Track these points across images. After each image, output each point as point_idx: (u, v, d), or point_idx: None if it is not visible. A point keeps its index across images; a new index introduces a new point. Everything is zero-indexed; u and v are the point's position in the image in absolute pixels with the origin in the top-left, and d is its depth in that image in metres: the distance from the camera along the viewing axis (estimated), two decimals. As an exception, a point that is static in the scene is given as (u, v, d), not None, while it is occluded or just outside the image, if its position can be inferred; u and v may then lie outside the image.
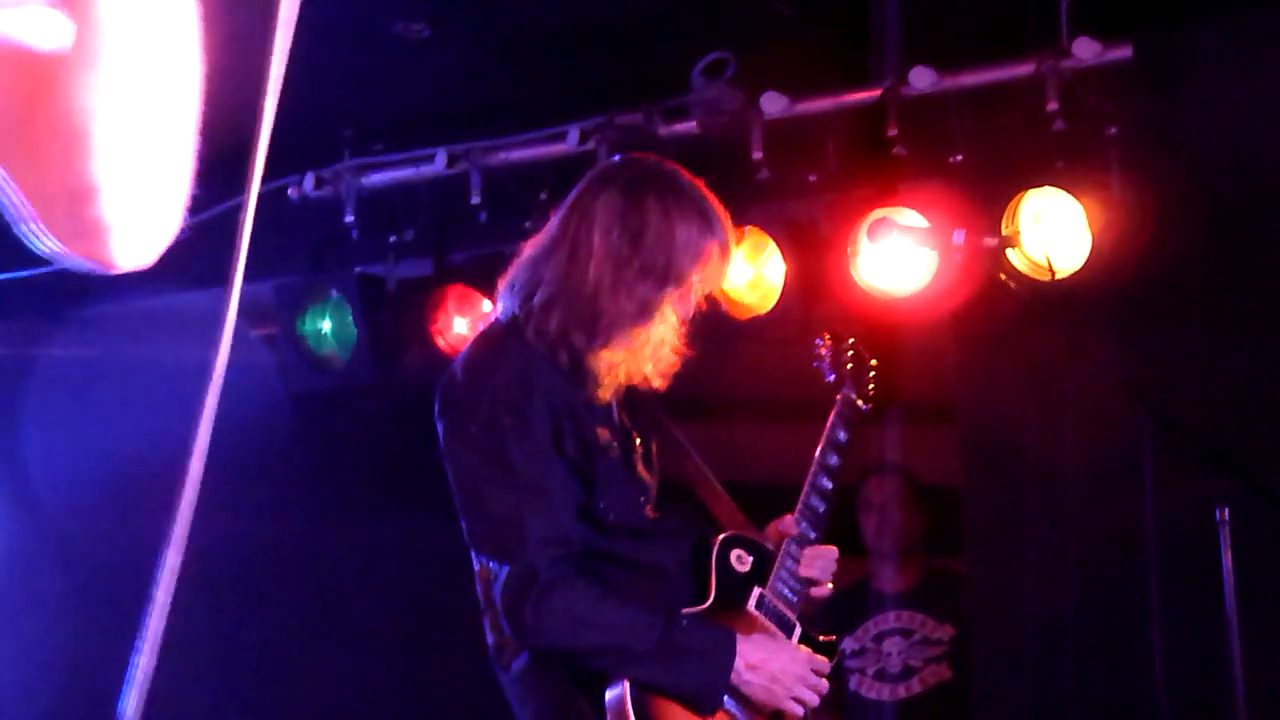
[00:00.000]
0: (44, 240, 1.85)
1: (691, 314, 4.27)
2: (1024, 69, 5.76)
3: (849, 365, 4.64)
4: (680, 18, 6.35)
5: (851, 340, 4.70)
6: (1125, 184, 5.57)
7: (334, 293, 6.91)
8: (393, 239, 7.06)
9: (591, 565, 4.00)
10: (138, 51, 1.83)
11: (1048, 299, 5.66)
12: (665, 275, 4.05)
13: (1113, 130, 5.63)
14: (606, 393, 4.11)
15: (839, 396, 4.56)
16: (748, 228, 6.00)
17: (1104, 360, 5.72)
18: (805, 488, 4.37)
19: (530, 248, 4.23)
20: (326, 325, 6.65)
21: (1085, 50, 5.58)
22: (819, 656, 4.17)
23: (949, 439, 6.62)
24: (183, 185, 1.86)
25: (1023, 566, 6.11)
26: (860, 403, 4.60)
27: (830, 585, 4.42)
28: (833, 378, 4.62)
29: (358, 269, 7.10)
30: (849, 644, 6.70)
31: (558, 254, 4.11)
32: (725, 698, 4.00)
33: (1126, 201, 5.56)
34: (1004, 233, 5.61)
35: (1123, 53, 5.57)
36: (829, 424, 4.54)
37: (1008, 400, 6.05)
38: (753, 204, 5.91)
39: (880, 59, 5.94)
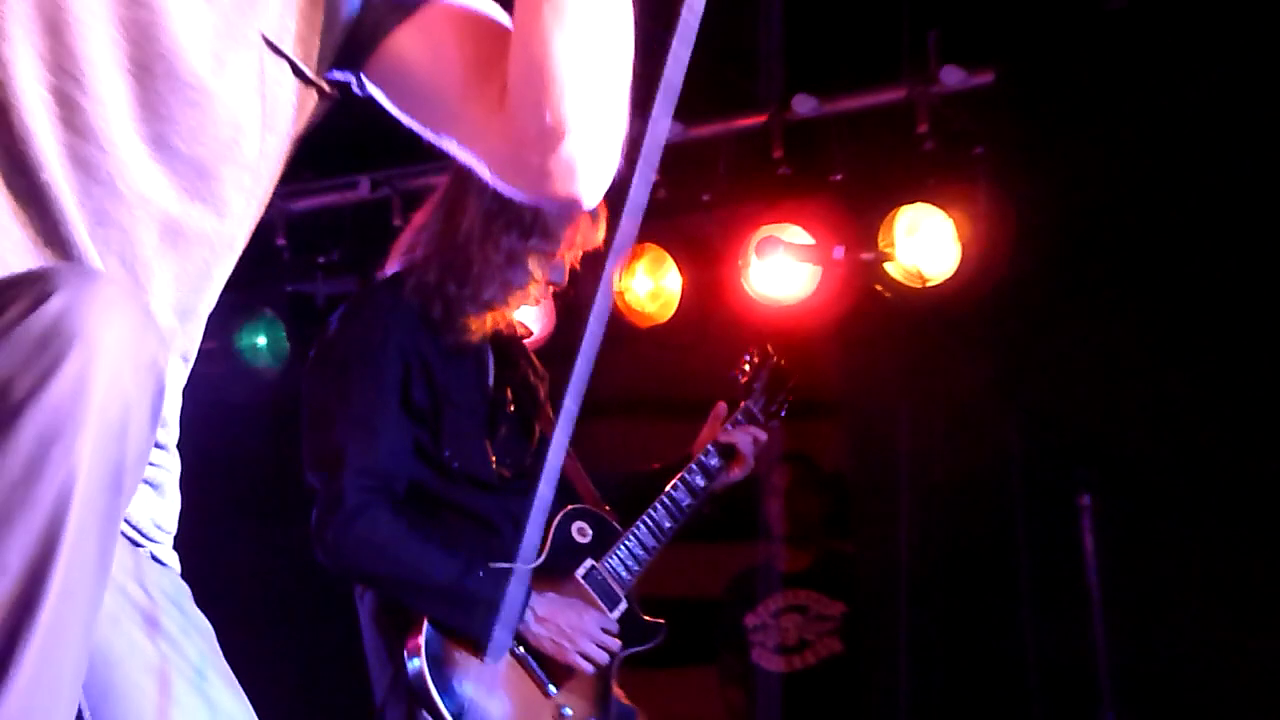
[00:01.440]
0: (516, 184, 2.17)
1: (563, 280, 4.31)
2: (896, 94, 5.77)
3: (764, 383, 4.61)
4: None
5: (776, 360, 4.68)
6: (991, 199, 5.57)
7: (267, 311, 6.86)
8: (321, 259, 7.00)
9: (427, 507, 4.01)
10: (597, 6, 2.05)
11: (921, 305, 5.65)
12: (531, 228, 4.08)
13: (979, 150, 5.67)
14: (475, 337, 4.11)
15: (742, 405, 4.52)
16: (647, 244, 6.06)
17: (973, 359, 5.72)
18: (674, 480, 4.33)
19: (418, 215, 4.30)
20: (261, 340, 6.60)
21: (951, 77, 5.64)
22: (612, 618, 4.13)
23: (837, 433, 6.73)
24: (621, 128, 2.07)
25: (900, 549, 6.09)
26: (760, 416, 4.53)
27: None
28: (746, 389, 4.60)
29: (289, 287, 7.06)
30: (751, 620, 6.70)
31: (436, 214, 4.19)
32: (519, 648, 4.02)
33: (992, 215, 5.57)
34: (880, 247, 5.66)
35: (985, 78, 5.58)
36: (717, 418, 4.48)
37: (886, 397, 6.06)
38: (651, 221, 5.82)
39: (766, 85, 5.83)
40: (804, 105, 5.90)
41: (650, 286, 6.11)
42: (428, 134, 2.25)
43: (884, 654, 6.25)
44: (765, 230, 5.82)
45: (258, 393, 6.69)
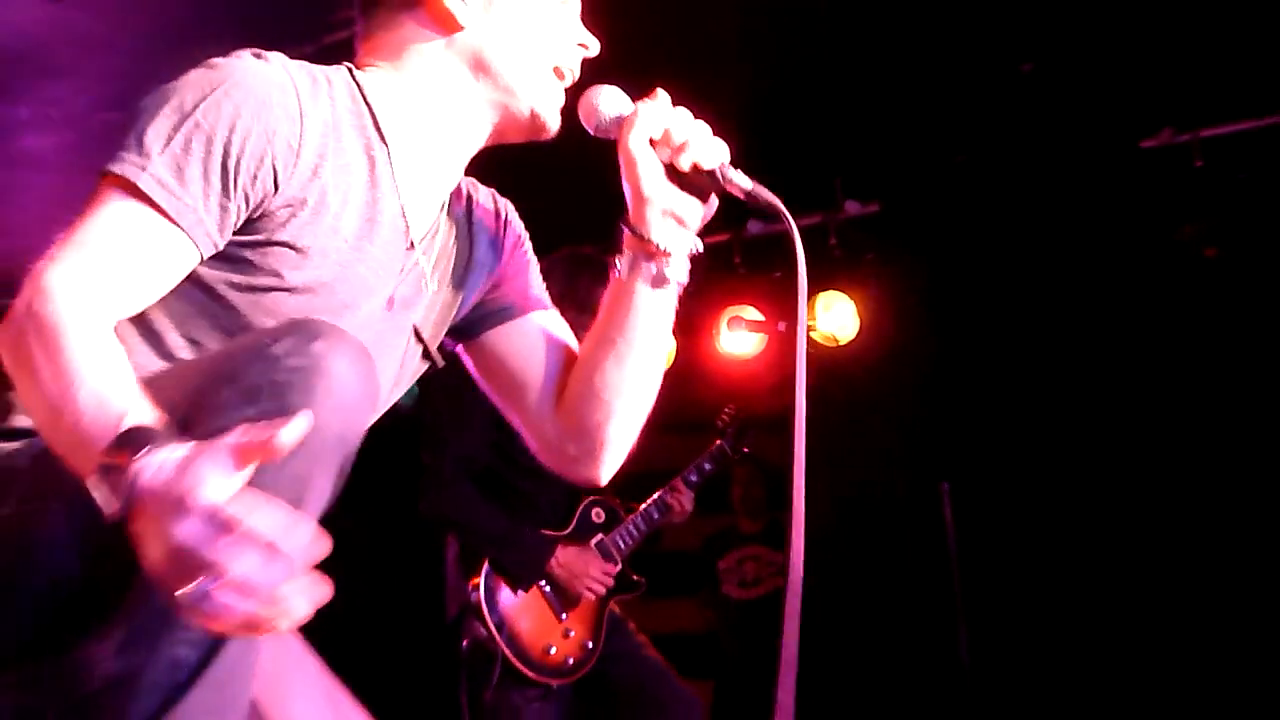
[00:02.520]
0: (551, 462, 2.26)
1: None
2: (815, 219, 6.07)
3: (734, 429, 4.85)
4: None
5: (741, 413, 4.90)
6: (878, 288, 6.07)
7: None
8: None
9: (494, 485, 4.19)
10: (646, 357, 2.18)
11: (835, 358, 6.11)
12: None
13: (869, 255, 6.11)
14: None
15: (717, 443, 4.79)
16: None
17: (869, 392, 6.24)
18: (666, 487, 4.64)
19: None
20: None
21: (852, 208, 6.06)
22: (610, 567, 4.35)
23: (778, 444, 7.32)
24: (638, 428, 2.23)
25: (818, 519, 6.95)
26: (730, 451, 4.83)
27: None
28: (722, 431, 4.84)
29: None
30: (721, 565, 6.96)
31: None
32: (545, 585, 4.26)
33: (879, 299, 6.07)
34: (808, 321, 6.37)
35: (874, 208, 6.03)
36: (703, 458, 4.78)
37: (811, 418, 6.68)
38: None
39: (725, 215, 6.42)
40: (754, 227, 6.23)
41: None
42: (496, 402, 2.32)
43: (805, 591, 7.05)
44: (731, 310, 6.01)
45: (402, 423, 6.93)
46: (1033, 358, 6.01)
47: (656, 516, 4.63)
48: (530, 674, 4.18)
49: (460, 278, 2.22)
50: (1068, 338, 5.93)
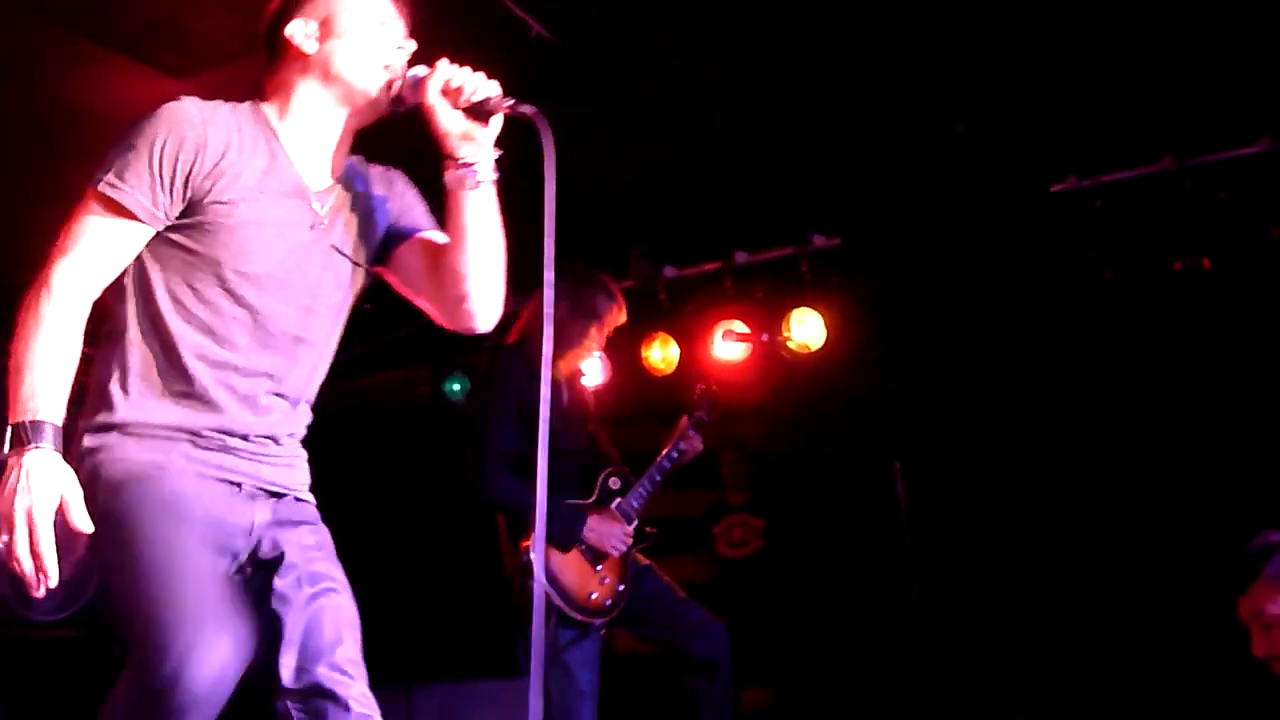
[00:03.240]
0: (447, 324, 2.59)
1: (604, 342, 4.59)
2: (788, 251, 6.15)
3: (707, 403, 4.79)
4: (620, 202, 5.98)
5: (712, 390, 4.85)
6: (841, 306, 6.09)
7: (459, 370, 6.82)
8: (487, 342, 6.68)
9: (528, 465, 3.80)
10: (486, 237, 2.48)
11: (806, 362, 6.15)
12: (590, 315, 4.44)
13: (834, 279, 6.09)
14: (561, 375, 4.41)
15: (695, 414, 4.74)
16: (659, 333, 6.40)
17: (833, 388, 6.29)
18: (662, 454, 4.62)
19: (525, 309, 4.44)
20: (456, 386, 6.80)
21: (819, 241, 6.10)
22: (629, 529, 4.40)
23: (761, 430, 7.06)
24: (501, 293, 2.55)
25: (788, 494, 6.82)
26: (707, 420, 4.76)
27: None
28: (697, 404, 4.79)
29: (468, 357, 6.76)
30: (715, 529, 6.94)
31: (532, 307, 4.37)
32: (581, 545, 4.30)
33: (842, 314, 6.09)
34: (783, 332, 5.98)
35: (836, 241, 6.06)
36: (682, 425, 4.72)
37: (786, 410, 6.60)
38: (662, 319, 6.40)
39: (717, 247, 6.29)
40: (741, 257, 6.26)
41: (661, 354, 6.39)
42: (410, 298, 2.66)
43: (782, 550, 6.73)
44: (723, 324, 6.10)
45: (455, 412, 6.77)
46: (967, 358, 6.03)
47: (661, 474, 4.61)
48: (577, 616, 4.24)
49: (364, 217, 2.59)
50: (995, 343, 5.93)
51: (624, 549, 4.42)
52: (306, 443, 2.61)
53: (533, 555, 4.15)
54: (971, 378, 6.01)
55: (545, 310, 2.45)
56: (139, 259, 2.40)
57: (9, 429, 2.18)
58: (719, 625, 4.51)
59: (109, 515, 2.25)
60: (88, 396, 2.41)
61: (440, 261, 2.55)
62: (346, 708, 2.31)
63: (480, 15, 4.23)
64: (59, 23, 4.19)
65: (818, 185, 5.69)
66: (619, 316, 4.61)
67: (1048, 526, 5.71)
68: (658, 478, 4.62)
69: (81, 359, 2.29)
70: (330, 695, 2.31)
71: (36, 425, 2.17)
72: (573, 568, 4.32)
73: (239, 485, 2.43)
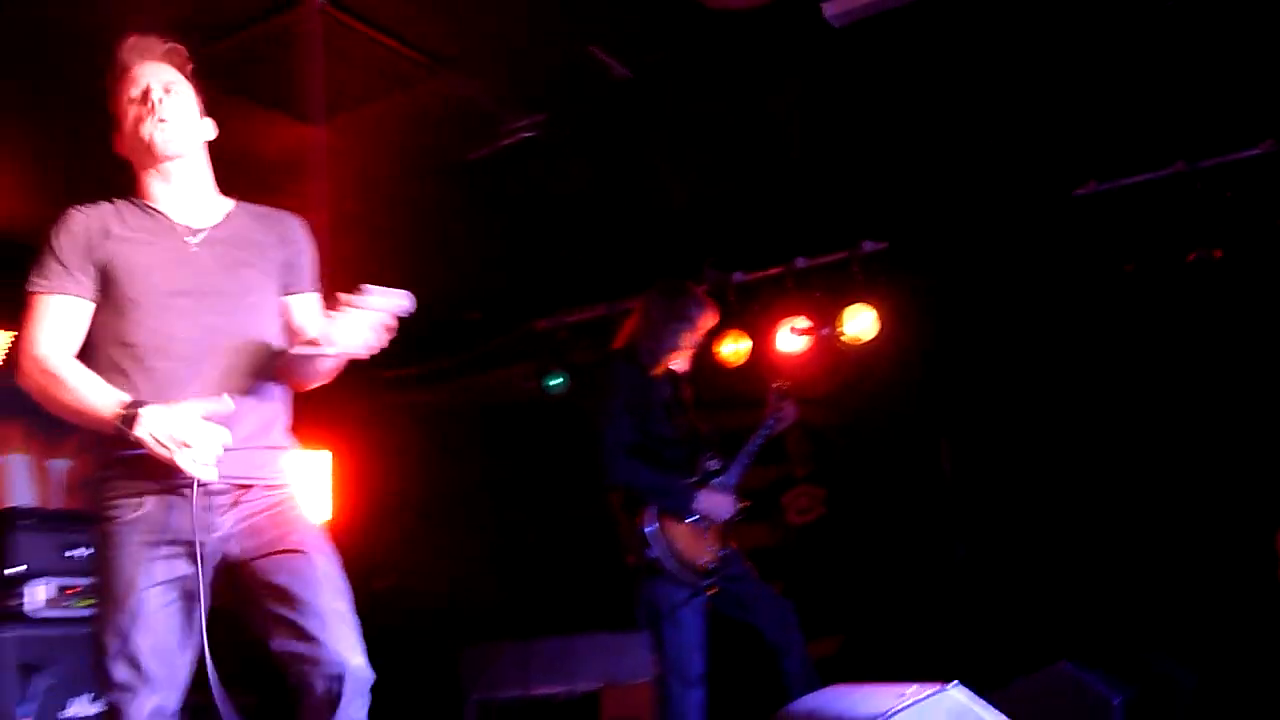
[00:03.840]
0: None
1: (697, 343, 4.56)
2: (843, 255, 6.10)
3: (782, 391, 4.72)
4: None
5: (786, 386, 4.76)
6: (890, 302, 6.01)
7: (559, 368, 6.80)
8: (585, 343, 6.82)
9: (646, 456, 4.27)
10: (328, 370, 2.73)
11: (860, 352, 6.08)
12: (684, 321, 4.44)
13: (883, 279, 6.02)
14: (659, 373, 4.41)
15: (774, 404, 4.69)
16: (732, 329, 6.35)
17: (884, 374, 6.18)
18: (753, 436, 4.60)
19: (628, 321, 4.55)
20: (556, 381, 6.80)
21: (868, 246, 6.06)
22: (733, 499, 4.43)
23: (822, 411, 6.72)
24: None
25: (847, 468, 6.73)
26: (780, 410, 4.64)
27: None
28: (775, 395, 4.73)
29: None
30: (784, 499, 6.86)
31: (639, 317, 4.49)
32: (694, 515, 4.33)
33: (891, 310, 6.01)
34: (840, 326, 6.00)
35: (883, 245, 6.02)
36: (768, 412, 4.67)
37: (844, 393, 6.40)
38: (732, 319, 6.27)
39: (778, 252, 6.28)
40: (800, 262, 6.24)
41: (733, 349, 6.32)
42: None
43: (843, 516, 6.69)
44: (786, 321, 6.18)
45: (554, 408, 6.82)
46: (1004, 346, 5.96)
47: (754, 451, 4.60)
48: (689, 578, 4.24)
49: (249, 245, 2.73)
50: (1028, 332, 5.87)
51: (729, 517, 4.44)
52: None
53: (647, 529, 4.23)
54: (1008, 363, 5.94)
55: None
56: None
57: (116, 429, 2.45)
58: (788, 606, 4.49)
59: None
60: None
61: (291, 333, 2.76)
62: None
63: (566, 61, 4.26)
64: (215, 85, 4.25)
65: (866, 198, 5.69)
66: (711, 320, 4.62)
67: (1078, 491, 5.65)
68: (753, 451, 4.62)
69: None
70: None
71: (126, 408, 2.43)
72: (685, 537, 4.31)
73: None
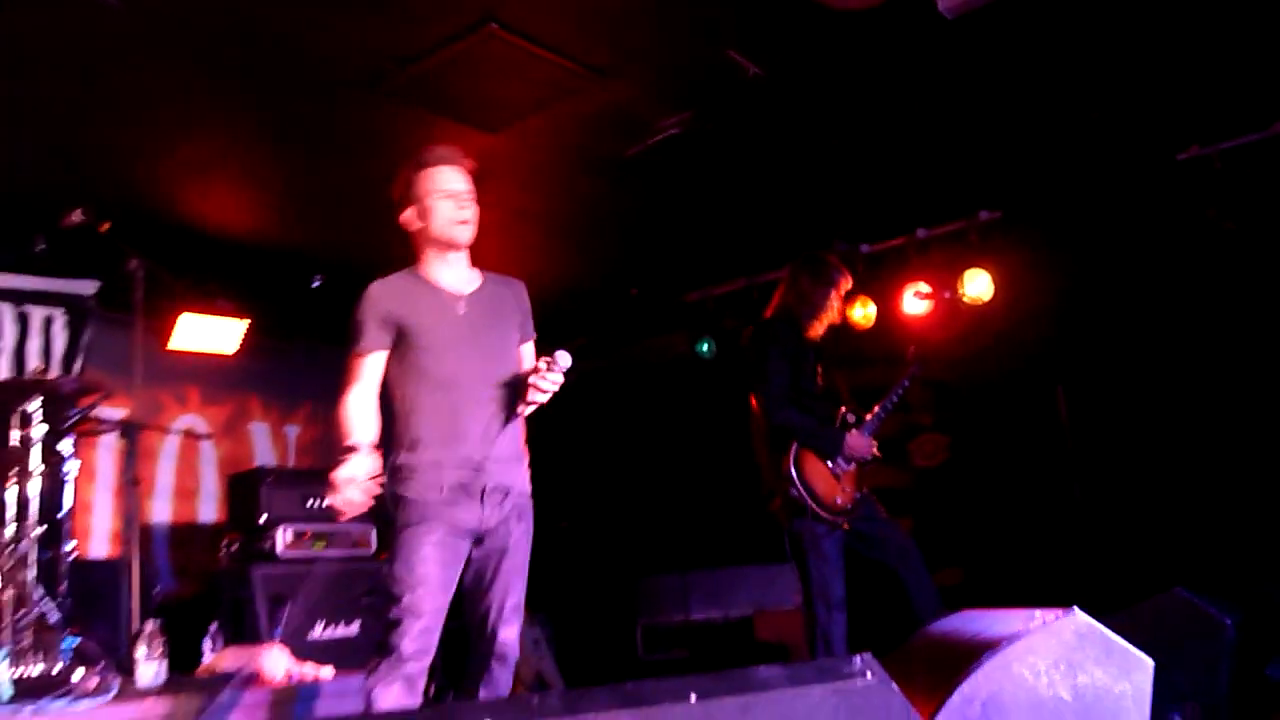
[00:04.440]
0: None
1: (837, 307, 4.49)
2: (960, 225, 5.96)
3: (918, 356, 4.64)
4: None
5: (919, 348, 4.70)
6: (1005, 265, 5.87)
7: (707, 335, 6.81)
8: (727, 316, 6.79)
9: (800, 405, 4.25)
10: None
11: (979, 311, 5.94)
12: (829, 284, 4.41)
13: (999, 244, 5.85)
14: (814, 335, 4.40)
15: (910, 370, 4.63)
16: (860, 295, 6.23)
17: (1002, 329, 5.97)
18: (889, 394, 4.52)
19: (775, 294, 4.52)
20: (705, 346, 6.75)
21: (984, 215, 5.90)
22: (872, 444, 4.35)
23: (945, 366, 6.47)
24: None
25: (970, 417, 6.55)
26: (917, 370, 4.57)
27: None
28: (913, 358, 4.65)
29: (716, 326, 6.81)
30: (910, 446, 6.72)
31: (785, 289, 4.46)
32: (840, 456, 4.27)
33: (1005, 273, 5.88)
34: (960, 289, 5.87)
35: (998, 215, 5.87)
36: (905, 375, 4.60)
37: (964, 348, 6.05)
38: (861, 286, 6.14)
39: (900, 222, 6.13)
40: (921, 233, 6.11)
41: (862, 313, 6.20)
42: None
43: (965, 460, 6.56)
44: (911, 286, 6.07)
45: (703, 369, 6.77)
46: (1112, 301, 5.80)
47: (892, 404, 4.53)
48: (825, 515, 4.20)
49: (497, 307, 3.03)
50: (1136, 287, 5.69)
51: (866, 460, 4.39)
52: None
53: (792, 470, 4.21)
54: (1116, 318, 5.77)
55: None
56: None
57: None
58: (913, 546, 4.39)
59: None
60: None
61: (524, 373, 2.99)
62: None
63: (706, 64, 4.25)
64: (396, 101, 4.36)
65: (981, 170, 5.57)
66: (848, 284, 4.58)
67: (1183, 433, 5.48)
68: (890, 406, 4.56)
69: None
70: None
71: (349, 448, 2.85)
72: (823, 479, 4.28)
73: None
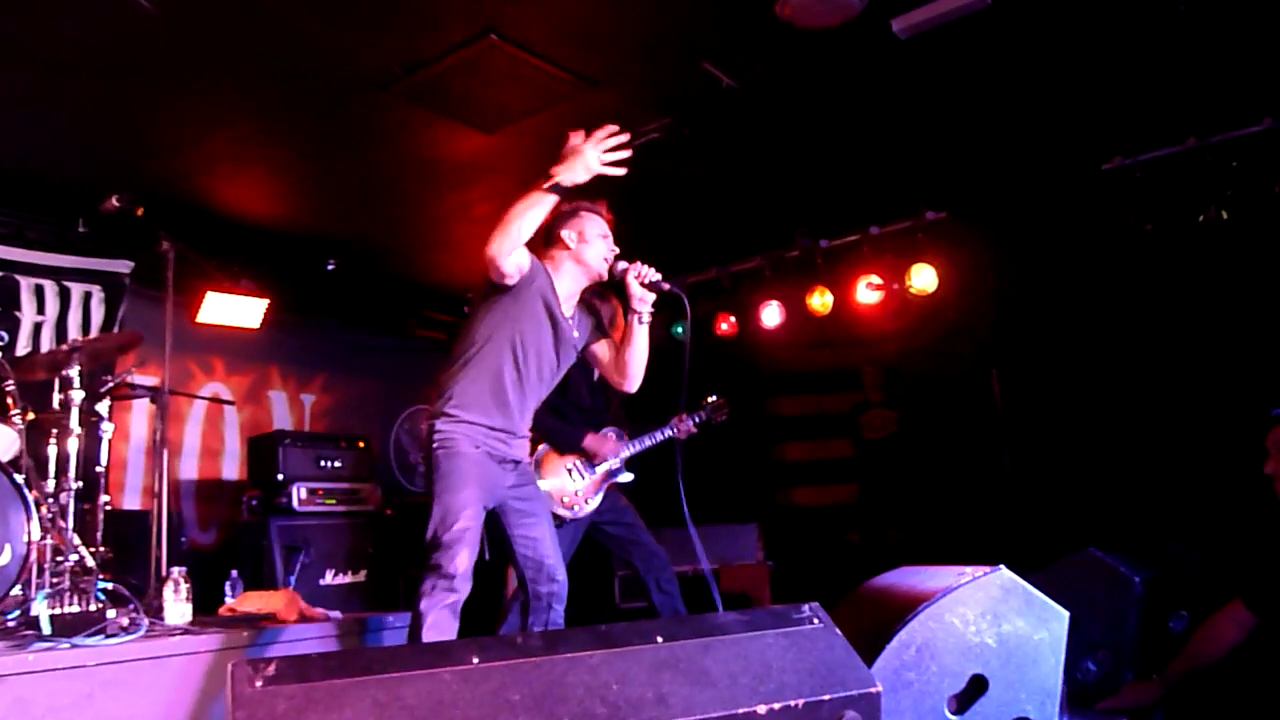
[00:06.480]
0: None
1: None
2: (907, 224, 5.89)
3: (714, 407, 4.44)
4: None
5: (721, 401, 4.48)
6: (948, 260, 5.84)
7: (682, 319, 6.41)
8: (710, 302, 6.66)
9: (560, 410, 4.06)
10: (638, 344, 3.00)
11: (924, 301, 5.89)
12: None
13: (943, 242, 5.82)
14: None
15: (699, 414, 4.39)
16: (818, 285, 6.13)
17: (944, 317, 6.02)
18: (657, 428, 4.31)
19: None
20: (680, 329, 6.44)
21: (930, 215, 5.85)
22: (621, 451, 4.18)
23: (894, 350, 6.79)
24: (642, 371, 3.09)
25: (913, 397, 6.53)
26: (704, 418, 4.40)
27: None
28: (705, 407, 4.42)
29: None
30: (861, 419, 6.63)
31: None
32: (570, 462, 4.12)
33: (948, 268, 5.85)
34: (907, 281, 5.83)
35: (943, 215, 5.81)
36: (685, 416, 4.33)
37: (909, 336, 6.33)
38: (819, 276, 6.16)
39: (850, 223, 6.05)
40: (874, 229, 6.05)
41: (820, 301, 6.16)
42: (598, 368, 3.18)
43: (910, 433, 6.53)
44: (864, 278, 6.03)
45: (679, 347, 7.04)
46: (1043, 295, 5.77)
47: (652, 442, 4.34)
48: (558, 511, 4.05)
49: (583, 323, 3.13)
50: (1064, 283, 5.67)
51: (609, 455, 4.20)
52: None
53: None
54: (1047, 309, 5.77)
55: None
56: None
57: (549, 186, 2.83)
58: (660, 556, 4.25)
59: None
60: None
61: (617, 354, 3.11)
62: None
63: (684, 75, 4.23)
64: (403, 102, 4.34)
65: (928, 174, 5.53)
66: (605, 311, 4.25)
67: (1102, 411, 5.50)
68: (648, 443, 4.39)
69: None
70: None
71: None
72: (558, 476, 4.14)
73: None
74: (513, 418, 2.95)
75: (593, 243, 3.10)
